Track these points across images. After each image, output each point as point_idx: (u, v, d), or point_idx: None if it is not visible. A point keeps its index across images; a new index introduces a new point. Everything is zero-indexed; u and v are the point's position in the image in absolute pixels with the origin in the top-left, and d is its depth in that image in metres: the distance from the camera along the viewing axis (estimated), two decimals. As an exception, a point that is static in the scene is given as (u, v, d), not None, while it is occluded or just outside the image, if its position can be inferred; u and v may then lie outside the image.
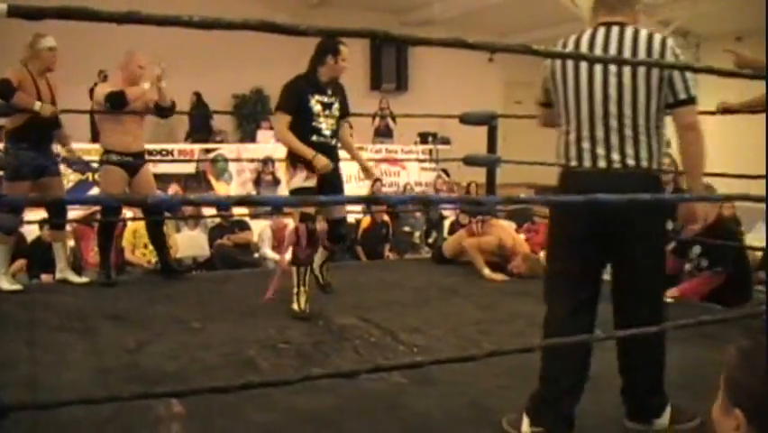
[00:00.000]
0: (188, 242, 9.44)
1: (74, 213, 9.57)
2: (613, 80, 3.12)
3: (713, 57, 13.01)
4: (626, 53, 3.13)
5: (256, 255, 9.60)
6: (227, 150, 13.30)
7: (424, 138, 15.91)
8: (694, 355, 4.26)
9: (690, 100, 3.16)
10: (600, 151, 3.15)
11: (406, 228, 12.16)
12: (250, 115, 15.55)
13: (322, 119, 5.40)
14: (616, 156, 3.13)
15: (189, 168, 12.56)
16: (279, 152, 8.17)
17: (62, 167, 11.05)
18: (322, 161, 5.26)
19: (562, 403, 3.24)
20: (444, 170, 14.57)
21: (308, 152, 5.26)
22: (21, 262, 8.22)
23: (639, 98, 3.10)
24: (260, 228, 9.91)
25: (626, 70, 3.10)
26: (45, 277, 8.34)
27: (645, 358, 3.36)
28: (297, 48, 4.62)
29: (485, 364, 3.06)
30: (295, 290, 5.34)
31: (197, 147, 13.19)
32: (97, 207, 9.02)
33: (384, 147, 14.81)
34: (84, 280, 6.63)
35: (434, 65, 16.88)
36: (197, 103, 14.79)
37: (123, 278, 8.20)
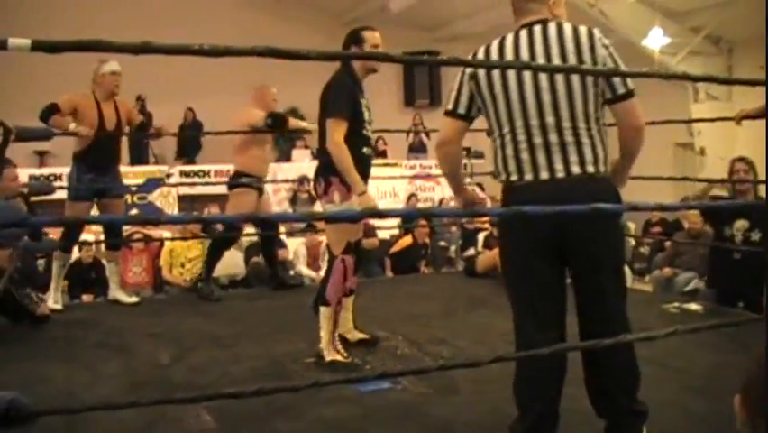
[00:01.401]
0: (225, 261, 9.52)
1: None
2: (545, 84, 2.93)
3: (746, 63, 12.97)
4: (554, 51, 2.95)
5: (291, 273, 9.69)
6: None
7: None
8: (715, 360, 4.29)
9: (630, 93, 2.97)
10: (542, 161, 2.95)
11: (442, 243, 12.23)
12: (285, 134, 15.69)
13: (369, 126, 4.70)
14: (559, 165, 2.93)
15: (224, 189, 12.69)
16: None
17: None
18: (369, 201, 4.39)
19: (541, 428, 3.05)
20: (479, 184, 14.59)
21: (360, 184, 4.38)
22: (63, 283, 8.38)
23: (576, 100, 2.92)
24: (294, 246, 10.02)
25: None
26: (86, 297, 8.52)
27: (620, 368, 3.08)
28: (333, 66, 4.51)
29: (508, 372, 3.07)
30: (327, 337, 4.59)
31: (233, 168, 13.29)
32: (136, 229, 9.30)
33: (419, 162, 14.90)
34: (134, 300, 6.76)
35: None
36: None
37: (161, 296, 8.37)
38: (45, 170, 12.41)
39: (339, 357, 4.57)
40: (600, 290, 3.03)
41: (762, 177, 6.14)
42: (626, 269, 10.13)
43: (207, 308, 6.41)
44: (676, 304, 6.30)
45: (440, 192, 14.27)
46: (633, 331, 3.03)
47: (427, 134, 15.23)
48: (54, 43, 1.84)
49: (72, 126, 5.95)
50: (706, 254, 8.02)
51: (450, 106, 3.18)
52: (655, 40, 12.25)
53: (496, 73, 3.01)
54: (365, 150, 4.58)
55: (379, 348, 4.95)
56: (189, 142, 14.83)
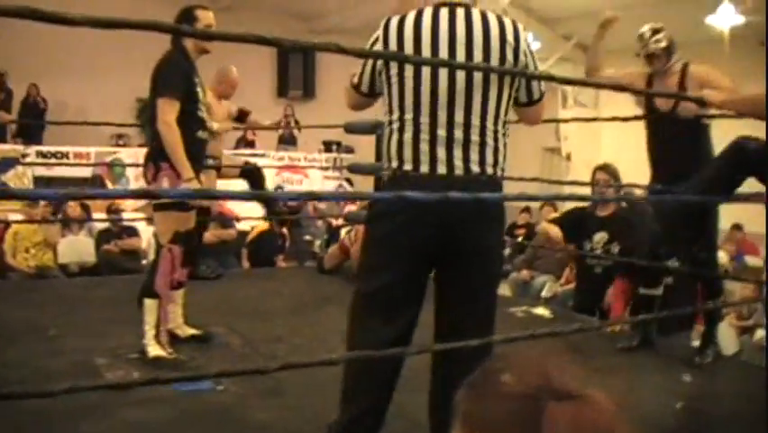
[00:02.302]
0: (72, 247, 9.21)
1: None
2: (461, 77, 2.75)
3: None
4: (477, 42, 2.77)
5: (144, 262, 9.41)
6: (126, 154, 13.04)
7: (328, 146, 15.81)
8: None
9: (542, 97, 2.99)
10: (441, 154, 2.77)
11: (307, 237, 12.08)
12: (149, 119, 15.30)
13: (204, 108, 4.48)
14: (458, 162, 2.77)
15: (86, 171, 12.32)
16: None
17: None
18: (192, 182, 4.16)
19: None
20: (348, 180, 14.52)
21: (188, 169, 4.15)
22: None
23: (490, 100, 2.79)
24: (148, 235, 9.72)
25: (478, 61, 2.78)
26: None
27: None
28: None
29: (335, 377, 2.93)
30: (152, 331, 4.37)
31: (94, 150, 12.89)
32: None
33: (287, 155, 14.74)
34: None
35: (341, 72, 16.82)
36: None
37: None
38: None
39: (163, 353, 4.36)
40: (471, 298, 2.89)
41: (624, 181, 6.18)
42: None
43: (42, 297, 6.12)
44: (524, 308, 6.33)
45: (308, 185, 14.11)
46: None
47: (299, 128, 15.02)
48: None
49: None
50: (564, 258, 8.14)
51: (355, 80, 3.05)
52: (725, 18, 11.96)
53: (408, 50, 2.81)
54: (200, 133, 4.39)
55: (211, 345, 4.78)
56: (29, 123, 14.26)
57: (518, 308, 6.30)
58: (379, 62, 2.92)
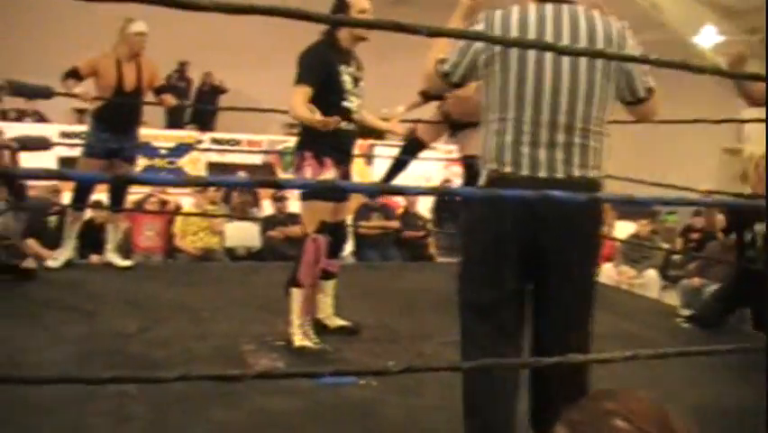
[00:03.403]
0: (239, 232, 9.38)
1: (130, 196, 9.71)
2: (566, 78, 2.63)
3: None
4: (582, 39, 2.65)
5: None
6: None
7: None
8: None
9: (650, 94, 2.78)
10: (543, 156, 2.65)
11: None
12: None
13: (352, 98, 4.36)
14: (560, 165, 2.65)
15: (256, 159, 12.59)
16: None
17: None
18: (326, 119, 3.96)
19: None
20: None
21: (317, 118, 3.96)
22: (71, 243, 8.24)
23: (594, 101, 2.66)
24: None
25: (582, 63, 2.63)
26: (95, 258, 8.36)
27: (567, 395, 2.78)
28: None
29: None
30: (297, 321, 4.35)
31: (266, 138, 13.16)
32: (153, 192, 9.17)
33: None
34: (127, 263, 6.61)
35: None
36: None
37: (165, 264, 8.27)
38: (80, 128, 12.30)
39: (308, 343, 4.30)
40: (566, 305, 2.77)
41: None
42: (656, 276, 9.81)
43: (201, 279, 6.22)
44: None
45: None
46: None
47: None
48: None
49: (77, 90, 5.81)
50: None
51: (446, 68, 2.85)
52: (707, 38, 11.72)
53: (530, 52, 2.66)
54: (343, 124, 4.21)
55: (358, 338, 4.68)
56: (204, 109, 14.63)
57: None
58: (482, 57, 2.73)
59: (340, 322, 4.76)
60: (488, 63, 2.72)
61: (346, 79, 4.28)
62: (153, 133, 12.59)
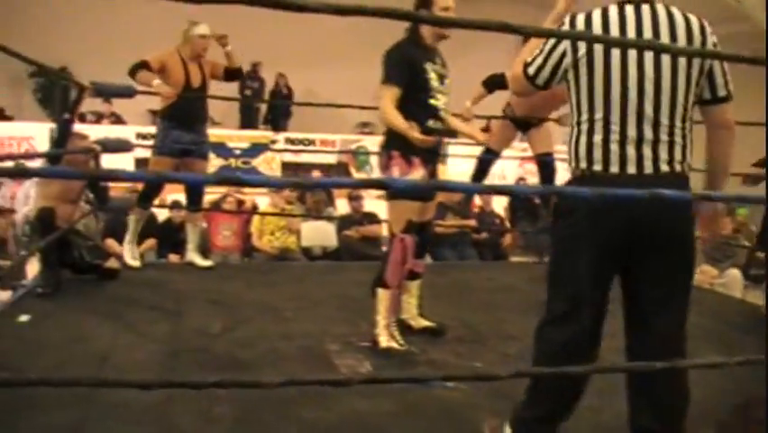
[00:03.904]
0: (315, 231, 9.37)
1: (208, 197, 9.79)
2: (650, 74, 2.63)
3: None
4: (663, 36, 2.65)
5: (384, 249, 9.40)
6: (370, 142, 13.25)
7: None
8: None
9: (730, 96, 2.74)
10: (631, 154, 2.66)
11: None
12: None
13: (439, 96, 4.27)
14: (648, 162, 2.66)
15: (330, 158, 12.61)
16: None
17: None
18: (423, 137, 3.98)
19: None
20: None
21: (411, 128, 3.98)
22: (151, 242, 8.32)
23: (678, 97, 2.64)
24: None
25: (665, 60, 2.63)
26: (173, 257, 8.45)
27: (672, 396, 2.76)
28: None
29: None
30: (383, 321, 4.32)
31: (340, 138, 13.18)
32: (229, 192, 9.23)
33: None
34: (208, 263, 6.63)
35: None
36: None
37: (243, 263, 8.30)
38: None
39: (394, 344, 4.24)
40: (663, 304, 2.74)
41: None
42: (739, 275, 9.54)
43: (281, 279, 6.21)
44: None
45: (562, 177, 13.66)
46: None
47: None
48: None
49: (156, 83, 5.82)
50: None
51: (531, 71, 2.86)
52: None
53: (597, 49, 2.69)
54: (430, 122, 4.17)
55: (444, 339, 4.60)
56: (278, 109, 14.69)
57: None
58: (566, 60, 2.75)
59: (424, 323, 4.69)
60: (573, 66, 2.75)
61: (432, 77, 4.20)
62: (228, 133, 12.74)
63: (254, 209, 9.30)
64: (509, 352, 4.41)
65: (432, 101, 4.20)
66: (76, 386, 1.96)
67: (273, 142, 12.75)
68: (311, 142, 12.79)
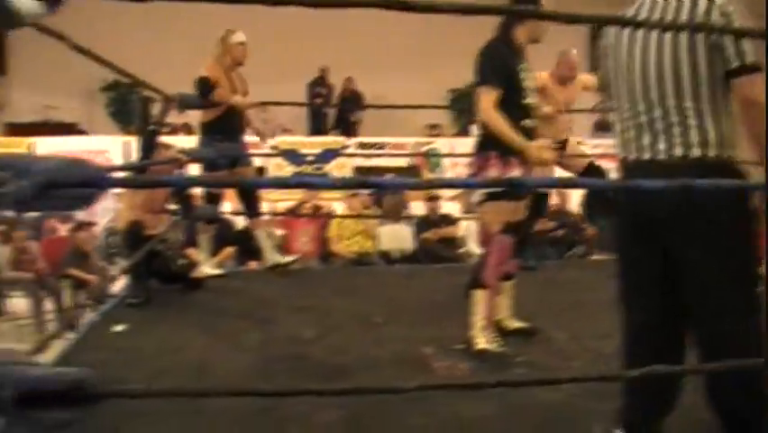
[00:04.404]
0: (392, 235, 9.34)
1: (285, 204, 9.85)
2: (652, 56, 2.63)
3: None
4: (669, 17, 2.63)
5: (461, 251, 9.37)
6: (441, 144, 13.21)
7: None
8: None
9: (746, 68, 2.54)
10: (645, 141, 2.67)
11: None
12: (465, 109, 15.34)
13: (531, 95, 4.28)
14: (661, 145, 2.63)
15: (402, 161, 12.61)
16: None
17: (280, 159, 11.61)
18: (541, 152, 4.03)
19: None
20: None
21: (521, 140, 3.99)
22: (229, 250, 8.38)
23: (683, 75, 2.57)
24: (466, 223, 9.68)
25: (667, 42, 2.59)
26: (253, 264, 8.50)
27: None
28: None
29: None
30: (480, 323, 4.26)
31: (412, 141, 13.17)
32: (307, 198, 9.28)
33: (603, 142, 14.17)
34: (290, 259, 6.72)
35: None
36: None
37: (323, 268, 8.32)
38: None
39: (490, 346, 4.19)
40: (700, 296, 2.67)
41: None
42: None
43: (363, 284, 6.21)
44: None
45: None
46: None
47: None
48: None
49: (236, 98, 5.87)
50: None
51: None
52: None
53: (620, 39, 2.76)
54: (525, 122, 4.12)
55: (536, 339, 4.53)
56: (345, 114, 14.70)
57: None
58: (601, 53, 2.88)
59: (517, 324, 4.63)
60: (603, 57, 2.86)
61: (525, 77, 4.16)
62: (299, 140, 12.80)
63: (331, 215, 9.34)
64: (605, 351, 4.31)
65: (526, 101, 4.14)
66: (181, 396, 1.95)
67: (345, 147, 12.79)
68: (383, 146, 12.80)
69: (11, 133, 13.72)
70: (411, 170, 12.46)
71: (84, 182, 1.57)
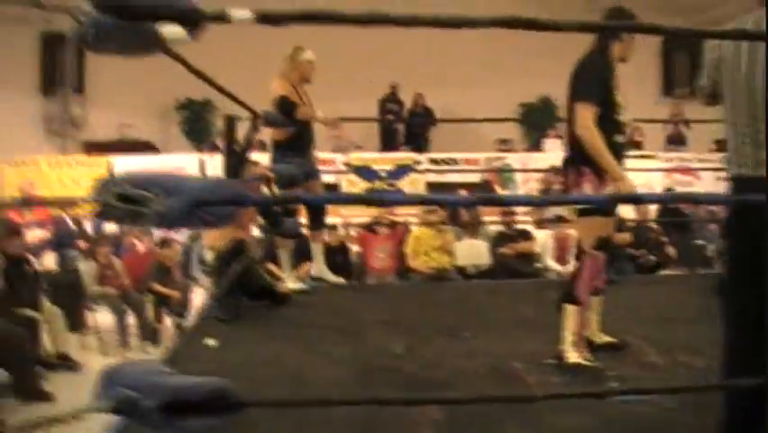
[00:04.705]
0: (469, 250, 9.38)
1: (359, 219, 9.93)
2: (759, 72, 2.64)
3: None
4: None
5: (538, 266, 9.37)
6: (513, 159, 13.20)
7: (720, 145, 14.82)
8: None
9: None
10: (761, 156, 2.65)
11: (700, 241, 11.44)
12: (537, 123, 15.33)
13: (622, 112, 4.28)
14: (753, 160, 2.69)
15: (473, 177, 12.63)
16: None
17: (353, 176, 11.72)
18: (629, 189, 4.03)
19: None
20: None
21: (616, 169, 4.02)
22: (308, 266, 8.46)
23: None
24: (542, 239, 9.68)
25: (759, 55, 2.61)
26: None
27: None
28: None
29: None
30: (572, 338, 4.27)
31: (483, 156, 13.19)
32: (382, 214, 9.34)
33: (677, 155, 14.03)
34: (340, 280, 6.82)
35: None
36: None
37: (402, 283, 8.36)
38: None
39: (582, 360, 4.20)
40: None
41: None
42: None
43: (445, 298, 6.25)
44: None
45: (699, 188, 13.35)
46: None
47: (687, 125, 14.26)
48: (279, 15, 1.69)
49: (320, 114, 5.96)
50: None
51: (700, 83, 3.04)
52: None
53: (735, 51, 2.78)
54: (617, 137, 4.14)
55: (626, 353, 4.52)
56: (416, 129, 14.75)
57: None
58: (712, 69, 2.93)
59: (606, 338, 4.63)
60: (713, 71, 2.91)
61: (617, 93, 4.17)
62: (372, 156, 12.91)
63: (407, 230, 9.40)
64: (697, 365, 4.30)
65: (619, 117, 4.16)
66: (319, 406, 2.01)
67: (417, 162, 12.86)
68: (455, 162, 12.86)
69: (89, 152, 14.04)
70: (484, 186, 12.46)
71: (229, 200, 1.65)
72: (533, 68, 14.54)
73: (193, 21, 1.69)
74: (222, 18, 1.67)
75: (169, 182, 1.63)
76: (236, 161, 5.32)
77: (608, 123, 4.08)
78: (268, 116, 5.79)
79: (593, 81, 4.10)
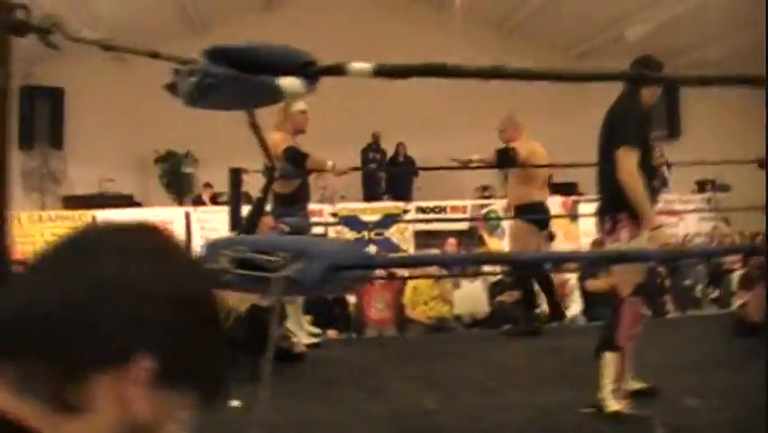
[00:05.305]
0: (467, 297, 9.29)
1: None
2: None
3: None
4: None
5: (537, 312, 9.28)
6: (499, 205, 13.21)
7: (701, 186, 14.99)
8: None
9: None
10: None
11: (687, 282, 11.47)
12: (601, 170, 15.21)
13: (654, 156, 4.45)
14: None
15: (463, 224, 12.62)
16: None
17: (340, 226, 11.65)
18: (663, 237, 4.06)
19: None
20: (726, 220, 13.63)
21: (653, 217, 4.06)
22: (308, 318, 8.37)
23: None
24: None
25: None
26: (331, 333, 8.45)
27: None
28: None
29: None
30: (612, 386, 4.18)
31: (470, 203, 13.20)
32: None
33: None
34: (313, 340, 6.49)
35: (706, 109, 15.69)
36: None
37: (405, 336, 8.30)
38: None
39: (622, 408, 4.14)
40: None
41: None
42: None
43: (456, 350, 6.19)
44: None
45: (683, 228, 13.42)
46: None
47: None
48: (399, 68, 1.66)
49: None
50: None
51: None
52: None
53: None
54: (654, 182, 4.20)
55: (659, 399, 4.48)
56: (399, 178, 14.75)
57: None
58: None
59: (637, 385, 4.58)
60: None
61: (649, 138, 4.17)
62: (361, 206, 12.86)
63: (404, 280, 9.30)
64: (732, 406, 4.25)
65: (653, 162, 4.17)
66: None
67: (405, 211, 12.85)
68: (442, 210, 12.84)
69: (69, 206, 13.84)
70: (471, 233, 12.46)
71: (362, 264, 1.60)
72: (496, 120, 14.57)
73: (311, 74, 1.65)
74: (340, 71, 1.63)
75: (298, 245, 1.58)
76: (254, 214, 5.24)
77: (646, 168, 4.10)
78: (284, 170, 5.73)
79: (633, 126, 4.12)
